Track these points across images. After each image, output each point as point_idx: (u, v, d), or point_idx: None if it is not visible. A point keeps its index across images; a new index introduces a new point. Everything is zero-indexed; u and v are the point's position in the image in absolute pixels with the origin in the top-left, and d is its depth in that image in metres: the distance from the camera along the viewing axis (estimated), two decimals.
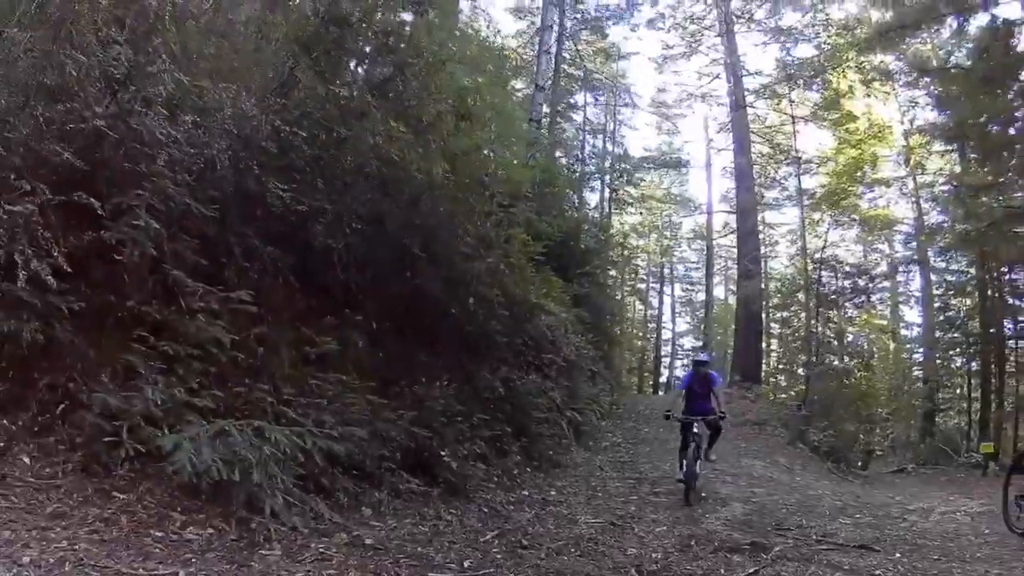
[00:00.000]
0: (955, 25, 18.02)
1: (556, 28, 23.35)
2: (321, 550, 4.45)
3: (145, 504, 4.17)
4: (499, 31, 23.23)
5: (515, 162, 10.54)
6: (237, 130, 5.64)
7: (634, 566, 5.37)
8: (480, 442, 7.81)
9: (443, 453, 6.81)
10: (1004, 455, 19.78)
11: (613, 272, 26.21)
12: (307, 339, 6.09)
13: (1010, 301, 22.46)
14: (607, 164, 28.87)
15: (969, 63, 18.71)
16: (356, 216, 6.71)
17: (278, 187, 5.84)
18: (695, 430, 9.42)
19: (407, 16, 8.19)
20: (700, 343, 35.22)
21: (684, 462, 9.30)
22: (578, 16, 27.11)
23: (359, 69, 7.94)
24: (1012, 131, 18.56)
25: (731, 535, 6.80)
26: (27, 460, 4.09)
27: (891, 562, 6.04)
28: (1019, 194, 18.28)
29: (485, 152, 9.08)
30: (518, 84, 22.67)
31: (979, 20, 17.21)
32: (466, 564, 4.87)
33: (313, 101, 6.61)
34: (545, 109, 21.78)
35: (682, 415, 9.74)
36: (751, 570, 5.47)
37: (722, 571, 5.45)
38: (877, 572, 5.65)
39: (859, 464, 17.65)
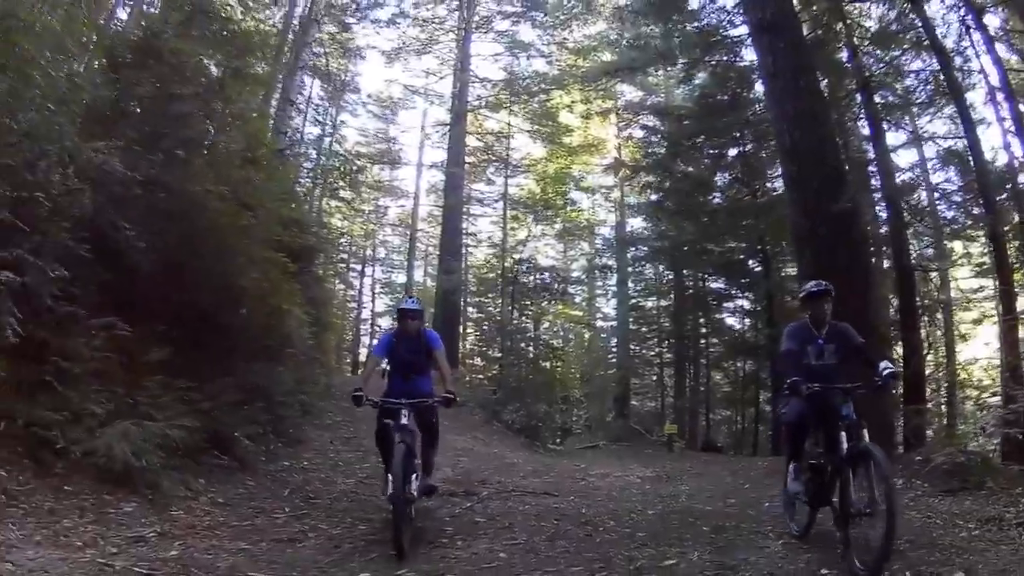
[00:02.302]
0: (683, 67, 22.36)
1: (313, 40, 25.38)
2: (202, 508, 7.09)
3: (86, 491, 6.43)
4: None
5: (275, 188, 12.87)
6: (98, 178, 7.85)
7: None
8: (253, 425, 10.34)
9: (236, 435, 9.42)
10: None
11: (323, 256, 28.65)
12: (135, 350, 8.40)
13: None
14: (325, 160, 30.62)
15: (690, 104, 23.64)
16: (168, 247, 9.09)
17: (124, 226, 8.17)
18: (403, 422, 6.91)
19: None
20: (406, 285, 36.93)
21: (390, 475, 6.67)
22: (331, 15, 29.10)
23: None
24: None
25: (448, 488, 9.85)
26: (3, 473, 6.00)
27: (566, 501, 9.52)
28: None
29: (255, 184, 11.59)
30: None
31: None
32: (287, 509, 7.74)
33: (143, 144, 8.93)
34: (295, 122, 23.86)
35: (381, 398, 7.26)
36: (467, 505, 8.87)
37: (448, 506, 8.73)
38: (554, 504, 9.12)
39: (557, 440, 21.49)
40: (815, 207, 13.07)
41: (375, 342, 9.41)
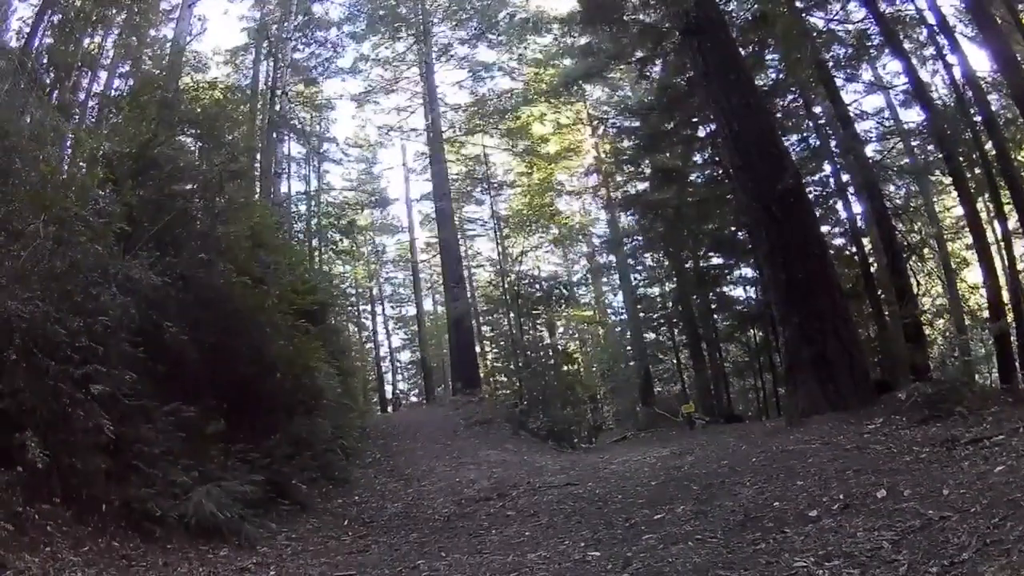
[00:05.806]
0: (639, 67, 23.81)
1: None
2: (280, 543, 8.83)
3: (186, 546, 8.13)
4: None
5: (284, 262, 14.75)
6: (135, 288, 9.56)
7: (444, 515, 10.18)
8: (305, 472, 12.03)
9: (294, 482, 11.16)
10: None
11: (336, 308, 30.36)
12: (197, 426, 10.11)
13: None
14: (316, 216, 32.80)
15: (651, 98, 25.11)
16: (205, 334, 10.85)
17: (167, 325, 9.90)
18: None
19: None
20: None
21: None
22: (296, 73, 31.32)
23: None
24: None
25: (484, 494, 11.55)
26: (117, 544, 7.69)
27: (585, 488, 11.07)
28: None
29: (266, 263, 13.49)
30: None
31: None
32: (350, 534, 9.52)
33: (161, 248, 10.75)
34: (284, 188, 26.02)
35: None
36: (500, 504, 10.50)
37: (485, 508, 10.39)
38: (574, 492, 10.76)
39: (592, 439, 23.02)
40: (765, 190, 14.60)
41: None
